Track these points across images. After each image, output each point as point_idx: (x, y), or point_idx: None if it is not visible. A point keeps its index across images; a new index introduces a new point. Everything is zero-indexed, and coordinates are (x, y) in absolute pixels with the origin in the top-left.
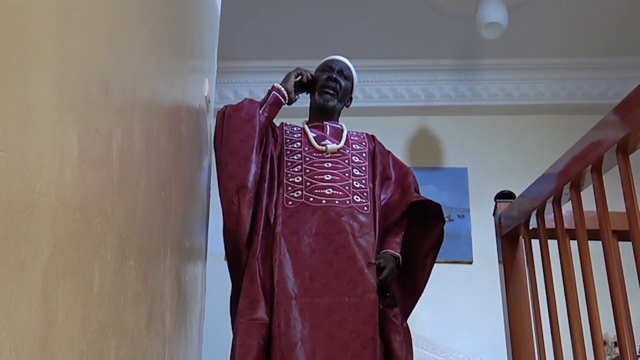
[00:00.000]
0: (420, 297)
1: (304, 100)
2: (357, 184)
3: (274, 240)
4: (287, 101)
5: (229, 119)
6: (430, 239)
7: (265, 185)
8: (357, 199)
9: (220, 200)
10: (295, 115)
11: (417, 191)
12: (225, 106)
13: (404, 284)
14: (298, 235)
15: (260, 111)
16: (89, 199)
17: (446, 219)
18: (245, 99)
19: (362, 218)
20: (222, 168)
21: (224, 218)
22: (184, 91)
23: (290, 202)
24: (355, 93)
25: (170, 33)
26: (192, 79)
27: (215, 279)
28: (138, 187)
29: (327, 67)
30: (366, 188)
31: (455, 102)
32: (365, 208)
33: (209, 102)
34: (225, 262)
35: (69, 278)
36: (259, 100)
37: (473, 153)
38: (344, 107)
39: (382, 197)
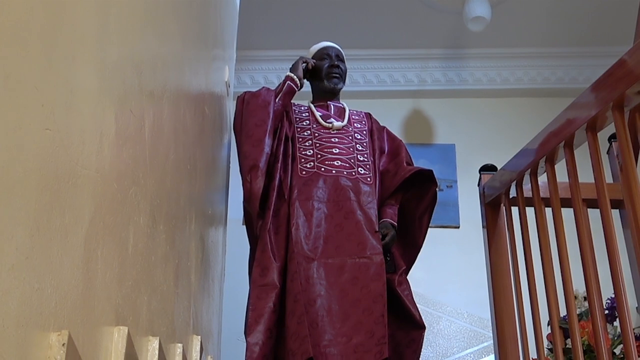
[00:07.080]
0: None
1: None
2: (360, 157)
3: (291, 206)
4: (299, 88)
5: (247, 104)
6: (425, 201)
7: (279, 164)
8: (361, 170)
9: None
10: (295, 99)
11: (409, 163)
12: (245, 92)
13: (404, 242)
14: (312, 201)
15: (277, 100)
16: (125, 171)
17: (437, 189)
18: (263, 87)
19: (366, 188)
20: (239, 148)
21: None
22: (207, 77)
23: (304, 172)
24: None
25: (196, 25)
26: (215, 66)
27: (234, 241)
28: (167, 161)
29: (324, 54)
30: (368, 161)
31: (444, 86)
32: (369, 179)
33: (229, 86)
34: (243, 227)
35: (107, 240)
36: (275, 86)
37: (460, 131)
38: None
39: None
